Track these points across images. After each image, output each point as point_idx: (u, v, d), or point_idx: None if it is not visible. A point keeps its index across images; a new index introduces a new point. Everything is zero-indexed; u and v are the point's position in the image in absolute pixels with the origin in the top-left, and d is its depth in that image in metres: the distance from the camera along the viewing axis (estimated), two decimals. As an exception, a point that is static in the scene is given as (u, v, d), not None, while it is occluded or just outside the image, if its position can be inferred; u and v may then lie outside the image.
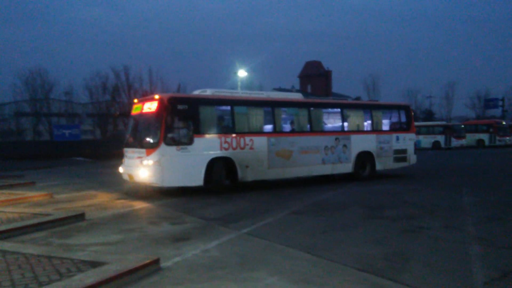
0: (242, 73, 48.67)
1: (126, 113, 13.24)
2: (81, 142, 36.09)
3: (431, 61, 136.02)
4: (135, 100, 12.36)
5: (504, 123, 39.76)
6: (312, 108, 13.58)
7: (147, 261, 4.92)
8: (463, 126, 39.20)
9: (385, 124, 15.43)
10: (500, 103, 53.98)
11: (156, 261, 5.06)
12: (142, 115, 11.41)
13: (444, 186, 12.50)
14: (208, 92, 12.27)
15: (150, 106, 11.01)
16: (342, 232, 6.87)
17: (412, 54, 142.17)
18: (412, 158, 15.38)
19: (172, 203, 10.18)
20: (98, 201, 10.65)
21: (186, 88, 48.99)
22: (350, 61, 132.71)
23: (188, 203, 10.23)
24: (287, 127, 13.52)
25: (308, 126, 13.32)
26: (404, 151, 15.10)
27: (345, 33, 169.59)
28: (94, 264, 4.79)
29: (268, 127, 12.70)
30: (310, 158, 13.01)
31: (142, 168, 10.64)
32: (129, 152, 11.55)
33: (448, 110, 65.80)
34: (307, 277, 4.72)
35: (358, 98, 65.35)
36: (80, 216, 8.15)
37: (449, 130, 36.88)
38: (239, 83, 48.72)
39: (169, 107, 10.57)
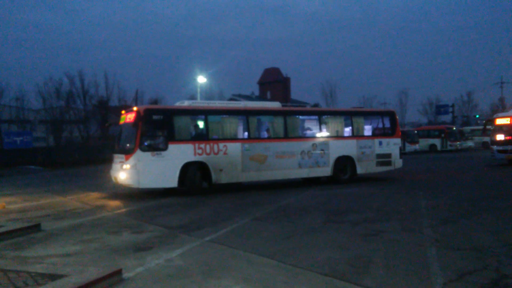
0: (201, 79, 48.48)
1: (115, 123, 14.45)
2: (34, 149, 34.72)
3: (386, 69, 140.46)
4: (123, 111, 13.64)
5: (454, 128, 41.50)
6: (288, 116, 14.39)
7: (109, 272, 4.78)
8: (416, 131, 40.59)
9: (367, 130, 16.15)
10: (451, 109, 56.34)
11: (118, 272, 4.93)
12: (125, 124, 12.80)
13: (401, 190, 12.90)
14: (186, 103, 13.78)
15: (130, 117, 12.35)
16: (306, 237, 6.95)
17: (368, 62, 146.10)
18: (397, 162, 15.88)
19: (133, 212, 9.98)
20: (54, 210, 10.28)
21: (143, 94, 48.31)
22: (308, 69, 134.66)
23: (149, 211, 10.05)
24: (262, 133, 14.33)
25: (284, 132, 14.12)
26: (388, 155, 15.67)
27: (303, 40, 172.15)
28: (53, 277, 4.61)
29: (242, 134, 13.88)
30: (286, 162, 13.84)
31: (122, 171, 11.96)
32: (115, 157, 12.82)
33: (402, 116, 68.11)
34: (273, 283, 4.73)
35: (316, 105, 66.56)
36: (35, 227, 7.85)
37: (403, 136, 38.05)
38: (198, 89, 48.43)
39: (145, 118, 11.85)
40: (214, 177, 12.69)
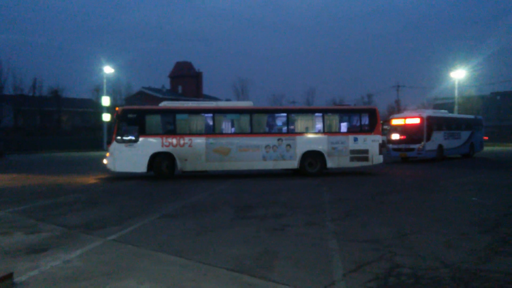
0: (108, 70, 46.24)
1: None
2: None
3: (296, 69, 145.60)
4: (116, 108, 15.97)
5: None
6: (253, 114, 16.02)
7: (-3, 278, 4.34)
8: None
9: (342, 127, 16.78)
10: (353, 109, 59.57)
11: (9, 276, 4.47)
12: (113, 121, 15.43)
13: (307, 186, 13.42)
14: (161, 104, 16.39)
15: (114, 115, 15.44)
16: (214, 233, 6.92)
17: (279, 61, 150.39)
18: (376, 158, 16.32)
19: (28, 210, 9.19)
20: None
21: (42, 83, 45.15)
22: (221, 65, 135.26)
23: (47, 209, 9.33)
24: (226, 129, 16.31)
25: (249, 128, 15.83)
26: (364, 151, 16.20)
27: (215, 36, 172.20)
28: None
29: (208, 130, 15.83)
30: (249, 155, 15.62)
31: (106, 158, 15.28)
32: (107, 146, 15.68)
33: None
34: (179, 281, 4.63)
35: (227, 101, 66.80)
36: None
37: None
38: (104, 80, 46.21)
39: (121, 116, 15.11)
40: (179, 165, 15.29)
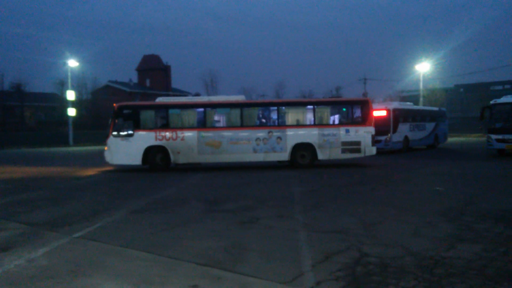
0: (73, 63, 45.01)
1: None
2: None
3: (265, 62, 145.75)
4: (114, 104, 16.60)
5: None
6: (244, 108, 16.31)
7: (-46, 280, 4.17)
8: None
9: (333, 119, 16.89)
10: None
11: (-33, 278, 4.32)
12: (110, 117, 16.30)
13: (277, 179, 13.49)
14: (157, 100, 17.05)
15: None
16: (183, 228, 6.87)
17: (248, 54, 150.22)
18: (368, 149, 16.23)
19: (-11, 209, 8.86)
20: None
21: (3, 78, 43.41)
22: (189, 58, 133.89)
23: (10, 206, 9.04)
24: (218, 123, 16.87)
25: (240, 122, 16.15)
26: (356, 143, 16.13)
27: (183, 29, 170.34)
28: None
29: (200, 124, 16.35)
30: (240, 147, 16.00)
31: (105, 151, 16.06)
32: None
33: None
34: (147, 277, 4.57)
35: (197, 95, 66.28)
36: None
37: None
38: (69, 74, 45.01)
39: (117, 111, 15.99)
40: (172, 158, 15.87)
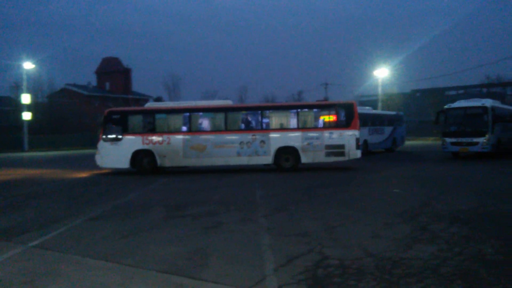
0: (28, 66, 43.48)
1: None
2: None
3: (227, 66, 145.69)
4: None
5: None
6: (228, 112, 16.64)
7: None
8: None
9: (317, 122, 16.80)
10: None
11: None
12: (101, 122, 17.00)
13: (241, 183, 13.48)
14: (146, 105, 18.03)
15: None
16: (144, 234, 6.73)
17: (210, 57, 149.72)
18: (353, 153, 16.10)
19: None
20: None
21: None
22: (151, 61, 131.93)
23: (-43, 216, 8.58)
24: (202, 127, 17.19)
25: (224, 126, 16.45)
26: (340, 146, 16.05)
27: (144, 31, 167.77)
28: None
29: (185, 128, 16.73)
30: (224, 151, 16.24)
31: (96, 154, 16.66)
32: None
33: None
34: (105, 286, 4.46)
35: (159, 98, 65.47)
36: None
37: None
38: (24, 76, 43.45)
39: (107, 117, 16.64)
40: (159, 161, 16.30)
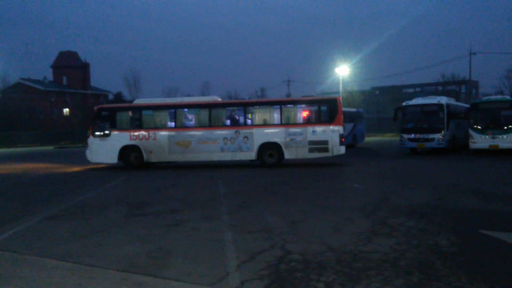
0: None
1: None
2: None
3: (189, 62, 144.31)
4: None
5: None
6: (213, 108, 16.79)
7: None
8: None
9: (300, 118, 16.82)
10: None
11: None
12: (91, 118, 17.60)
13: (202, 180, 13.39)
14: (135, 102, 18.50)
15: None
16: (104, 234, 6.56)
17: (172, 54, 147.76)
18: (336, 149, 15.97)
19: None
20: None
21: None
22: (112, 56, 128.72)
23: None
24: (187, 123, 17.28)
25: (208, 122, 16.65)
26: (323, 142, 15.97)
27: (106, 26, 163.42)
28: None
29: (170, 124, 17.08)
30: (208, 147, 16.46)
31: (86, 150, 17.62)
32: None
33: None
34: (62, 287, 4.32)
35: (118, 94, 63.97)
36: None
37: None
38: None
39: (97, 113, 17.47)
40: (145, 157, 16.76)
